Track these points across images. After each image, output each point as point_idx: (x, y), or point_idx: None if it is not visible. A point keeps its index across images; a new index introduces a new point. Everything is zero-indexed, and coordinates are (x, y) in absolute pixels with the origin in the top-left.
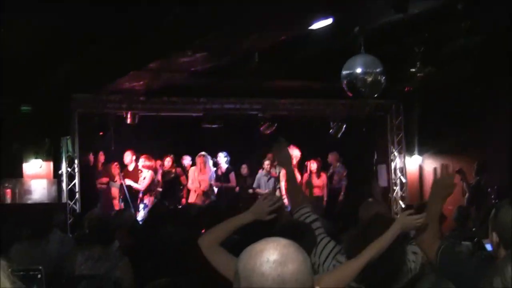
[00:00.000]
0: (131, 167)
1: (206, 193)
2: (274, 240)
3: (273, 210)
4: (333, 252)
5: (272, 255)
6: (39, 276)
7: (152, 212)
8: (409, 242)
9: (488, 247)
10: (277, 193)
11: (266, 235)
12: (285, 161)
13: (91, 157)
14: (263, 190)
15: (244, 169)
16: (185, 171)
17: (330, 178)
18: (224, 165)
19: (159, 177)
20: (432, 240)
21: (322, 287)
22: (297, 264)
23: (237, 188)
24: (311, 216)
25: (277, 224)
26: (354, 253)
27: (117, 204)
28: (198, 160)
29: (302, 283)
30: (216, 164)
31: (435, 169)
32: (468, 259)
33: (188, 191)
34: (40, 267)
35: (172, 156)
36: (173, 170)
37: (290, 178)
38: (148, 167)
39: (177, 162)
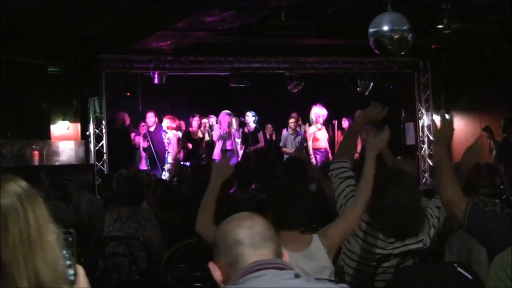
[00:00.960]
0: (152, 128)
1: (231, 151)
2: (242, 213)
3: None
4: None
5: (243, 220)
6: (70, 239)
7: (178, 173)
8: (435, 196)
9: None
10: (304, 151)
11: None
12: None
13: (124, 116)
14: (290, 149)
15: (268, 128)
16: (211, 130)
17: None
18: (252, 125)
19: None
20: (459, 198)
21: (332, 235)
22: (263, 223)
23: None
24: (348, 172)
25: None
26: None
27: (144, 165)
28: (223, 118)
29: (268, 236)
30: (243, 124)
31: (433, 121)
32: (497, 217)
33: (212, 148)
34: (72, 230)
35: (198, 115)
36: (199, 131)
37: (351, 133)
38: (172, 128)
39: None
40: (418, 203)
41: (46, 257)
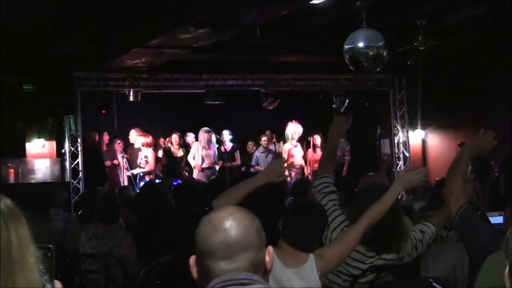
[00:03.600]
0: (136, 146)
1: (210, 169)
2: (226, 210)
3: (284, 170)
4: (342, 225)
5: (220, 223)
6: (49, 254)
7: (146, 189)
8: (420, 222)
9: (492, 220)
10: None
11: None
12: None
13: (95, 136)
14: (262, 167)
15: (250, 146)
16: (188, 148)
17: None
18: (228, 143)
19: (159, 154)
20: (460, 195)
21: (327, 258)
22: (241, 229)
23: (243, 168)
24: (330, 187)
25: (288, 204)
26: (352, 223)
27: (121, 182)
28: (202, 136)
29: (246, 245)
30: (220, 142)
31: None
32: (484, 226)
33: (190, 166)
34: (51, 246)
35: (178, 133)
36: (180, 150)
37: (327, 150)
38: (147, 145)
39: (183, 139)
40: (398, 219)
41: (26, 277)
